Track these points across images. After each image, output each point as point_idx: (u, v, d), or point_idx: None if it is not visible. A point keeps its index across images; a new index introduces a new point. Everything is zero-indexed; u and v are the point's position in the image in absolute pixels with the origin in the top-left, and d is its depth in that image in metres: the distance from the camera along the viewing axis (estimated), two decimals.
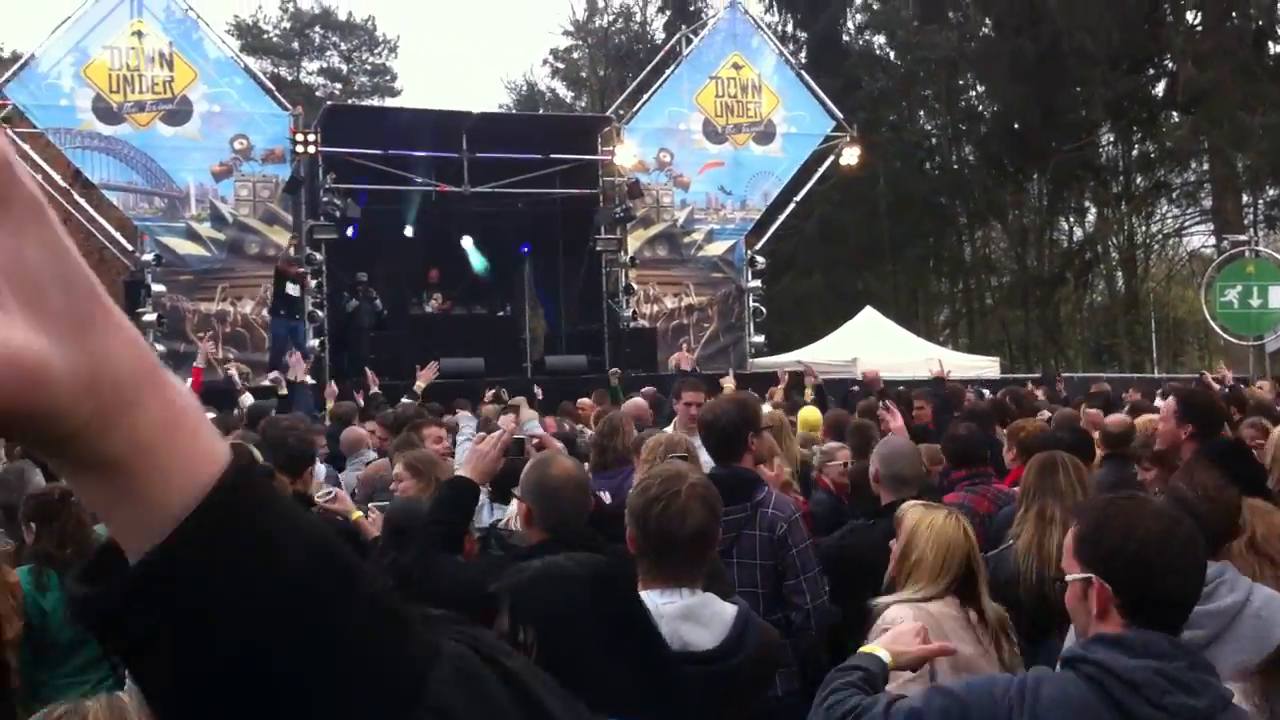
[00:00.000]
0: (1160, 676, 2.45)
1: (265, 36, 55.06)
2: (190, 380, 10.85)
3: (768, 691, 3.69)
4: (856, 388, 12.32)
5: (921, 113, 44.88)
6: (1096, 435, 6.77)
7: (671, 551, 3.18)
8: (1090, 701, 2.51)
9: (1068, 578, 2.67)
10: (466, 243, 23.64)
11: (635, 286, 23.48)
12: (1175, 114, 37.97)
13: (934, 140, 44.54)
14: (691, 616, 3.06)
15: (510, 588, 2.35)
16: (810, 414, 8.69)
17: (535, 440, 4.74)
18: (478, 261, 23.75)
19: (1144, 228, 41.78)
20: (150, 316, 19.67)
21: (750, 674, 3.10)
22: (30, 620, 4.82)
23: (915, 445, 5.95)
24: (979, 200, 41.86)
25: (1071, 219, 44.17)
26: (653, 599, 3.07)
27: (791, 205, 26.33)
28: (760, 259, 25.12)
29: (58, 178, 21.55)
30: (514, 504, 5.19)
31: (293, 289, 19.15)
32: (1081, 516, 2.74)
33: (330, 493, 5.89)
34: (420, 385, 11.71)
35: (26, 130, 20.46)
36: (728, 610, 3.11)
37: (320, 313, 20.67)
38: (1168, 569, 2.58)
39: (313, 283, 20.58)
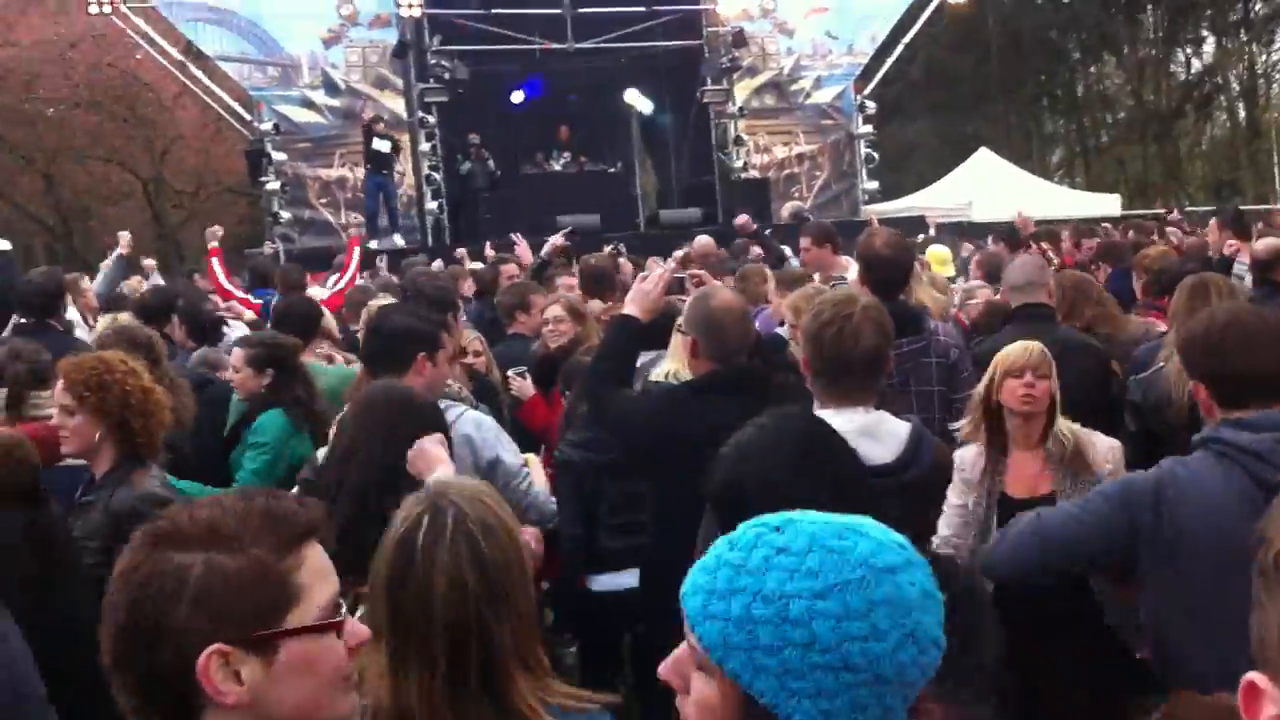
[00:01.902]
0: None
1: None
2: (350, 248, 11.12)
3: (942, 504, 3.84)
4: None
5: None
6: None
7: (846, 372, 3.32)
8: (1223, 474, 2.92)
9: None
10: (631, 94, 23.33)
11: (745, 137, 23.30)
12: None
13: None
14: (868, 433, 3.20)
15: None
16: (940, 251, 8.72)
17: (695, 278, 4.88)
18: (645, 107, 23.46)
19: (1265, 56, 40.14)
20: (273, 185, 20.09)
21: (926, 486, 3.26)
22: (291, 462, 5.13)
23: (1040, 258, 5.98)
24: (1092, 34, 40.52)
25: (1189, 50, 42.59)
26: (829, 417, 3.21)
27: (899, 48, 25.73)
28: (869, 104, 24.71)
29: (173, 51, 21.93)
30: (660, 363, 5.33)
31: (380, 144, 19.36)
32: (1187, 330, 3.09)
33: (522, 370, 6.09)
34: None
35: (139, 5, 20.76)
36: (902, 427, 3.26)
37: (436, 175, 20.88)
38: (1240, 347, 2.98)
39: (426, 145, 20.78)
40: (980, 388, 4.24)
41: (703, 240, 10.44)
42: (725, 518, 2.30)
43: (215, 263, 9.96)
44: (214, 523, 1.60)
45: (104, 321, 7.13)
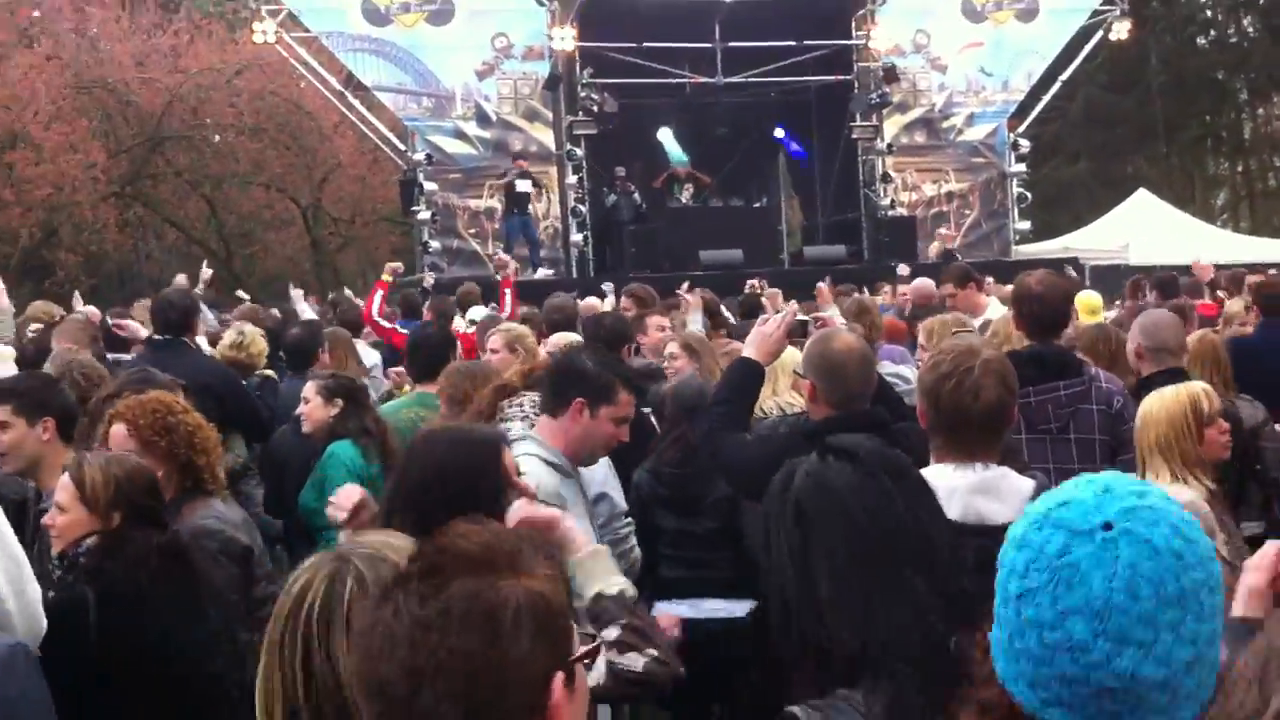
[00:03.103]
0: None
1: None
2: (504, 290, 11.19)
3: None
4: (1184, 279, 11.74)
5: None
6: None
7: (964, 427, 3.19)
8: None
9: None
10: (664, 135, 23.51)
11: (893, 174, 23.05)
12: None
13: (1210, 12, 41.81)
14: (986, 490, 3.08)
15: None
16: (1090, 299, 8.46)
17: (819, 321, 4.81)
18: (675, 153, 23.59)
19: None
20: (424, 214, 20.52)
21: None
22: (362, 484, 5.25)
23: (1177, 316, 5.76)
24: (1261, 73, 39.17)
25: None
26: (946, 472, 3.11)
27: (1056, 85, 25.17)
28: (1024, 142, 24.22)
29: (333, 80, 22.55)
30: None
31: (523, 185, 19.66)
32: None
33: None
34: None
35: (301, 35, 21.41)
36: (1025, 484, 3.12)
37: (582, 208, 21.09)
38: None
39: (573, 178, 21.01)
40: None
41: (922, 282, 10.08)
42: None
43: (378, 294, 10.20)
44: (491, 546, 1.53)
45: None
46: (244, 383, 7.01)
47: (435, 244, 20.74)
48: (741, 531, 5.07)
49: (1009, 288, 11.43)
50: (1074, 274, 16.70)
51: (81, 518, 3.45)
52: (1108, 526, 1.54)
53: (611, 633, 2.48)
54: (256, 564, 4.09)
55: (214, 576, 3.70)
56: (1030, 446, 4.17)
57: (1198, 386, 4.11)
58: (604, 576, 2.63)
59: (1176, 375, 5.07)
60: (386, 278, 10.64)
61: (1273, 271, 12.43)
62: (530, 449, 3.77)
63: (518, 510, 2.68)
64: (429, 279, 17.12)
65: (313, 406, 5.65)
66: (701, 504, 5.17)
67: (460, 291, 12.03)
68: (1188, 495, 3.92)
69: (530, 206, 20.39)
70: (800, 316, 4.69)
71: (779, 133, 23.83)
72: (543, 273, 19.89)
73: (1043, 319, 4.75)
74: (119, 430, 3.99)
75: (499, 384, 4.57)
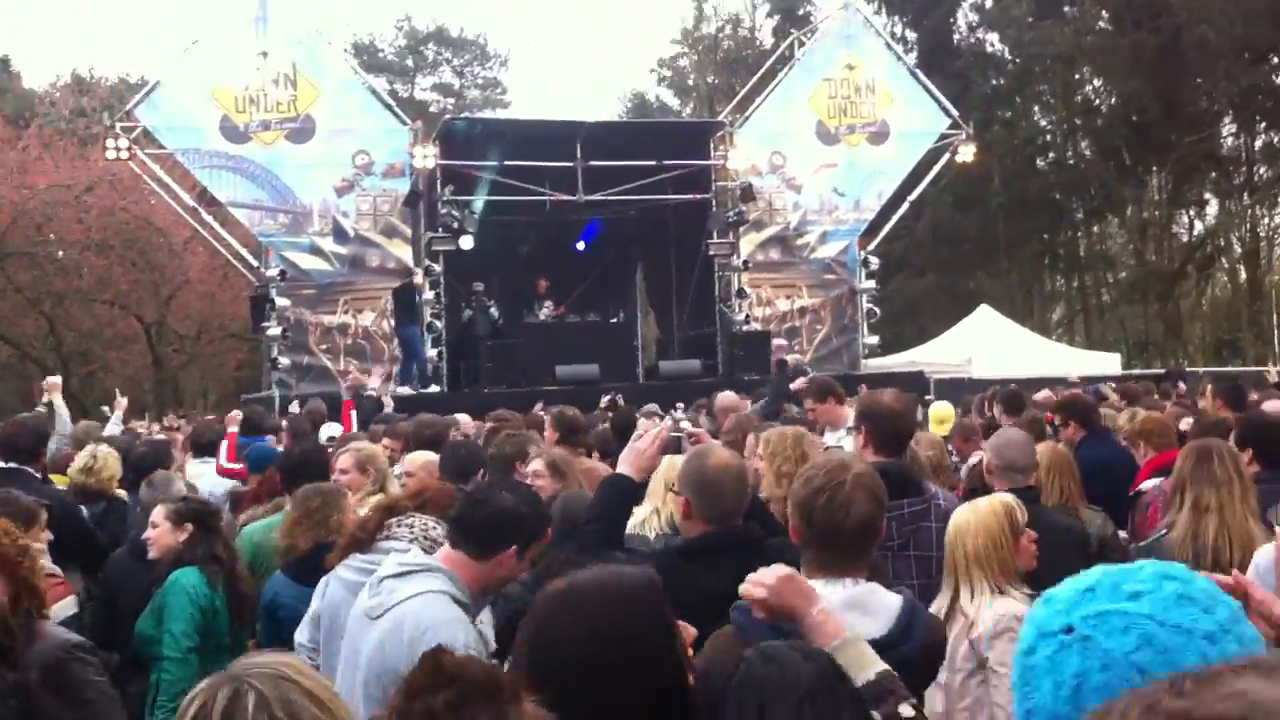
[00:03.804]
0: None
1: (380, 54, 56.23)
2: (347, 410, 10.99)
3: (935, 679, 3.67)
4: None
5: (1036, 109, 44.26)
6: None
7: (836, 542, 3.18)
8: None
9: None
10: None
11: (748, 290, 23.45)
12: None
13: (1048, 136, 43.91)
14: (858, 605, 3.07)
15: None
16: (943, 410, 8.64)
17: (691, 437, 4.78)
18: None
19: (1267, 219, 40.75)
20: (275, 330, 20.17)
21: (921, 662, 3.10)
22: (204, 615, 5.12)
23: (1028, 435, 5.89)
24: (1096, 195, 41.18)
25: (1192, 212, 43.29)
26: (817, 587, 3.09)
27: (905, 205, 26.06)
28: (874, 259, 24.95)
29: (186, 197, 22.22)
30: (640, 508, 5.23)
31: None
32: None
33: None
34: None
35: (155, 151, 21.13)
36: (893, 600, 3.11)
37: (438, 323, 21.01)
38: None
39: (430, 294, 20.94)
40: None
41: (726, 395, 10.14)
42: None
43: (225, 444, 9.88)
44: (495, 678, 1.61)
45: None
46: (87, 509, 6.71)
47: (285, 360, 20.38)
48: None
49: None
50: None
51: None
52: (1068, 630, 1.48)
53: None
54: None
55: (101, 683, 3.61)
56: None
57: (1009, 498, 4.16)
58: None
59: (1025, 493, 5.17)
60: (233, 429, 10.26)
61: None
62: (439, 585, 3.57)
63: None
64: (279, 395, 16.89)
65: (161, 531, 5.47)
66: None
67: (307, 409, 11.84)
68: (1013, 608, 3.96)
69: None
70: (673, 433, 4.65)
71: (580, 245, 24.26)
72: (404, 389, 19.66)
73: (896, 435, 4.80)
74: None
75: (387, 504, 4.41)
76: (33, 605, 3.84)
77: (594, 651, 2.33)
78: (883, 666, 2.67)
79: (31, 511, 5.37)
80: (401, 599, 3.52)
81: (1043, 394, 11.57)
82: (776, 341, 18.97)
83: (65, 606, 5.01)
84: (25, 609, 3.80)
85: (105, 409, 13.15)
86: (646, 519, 5.07)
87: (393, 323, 21.13)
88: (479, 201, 21.71)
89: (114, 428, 10.70)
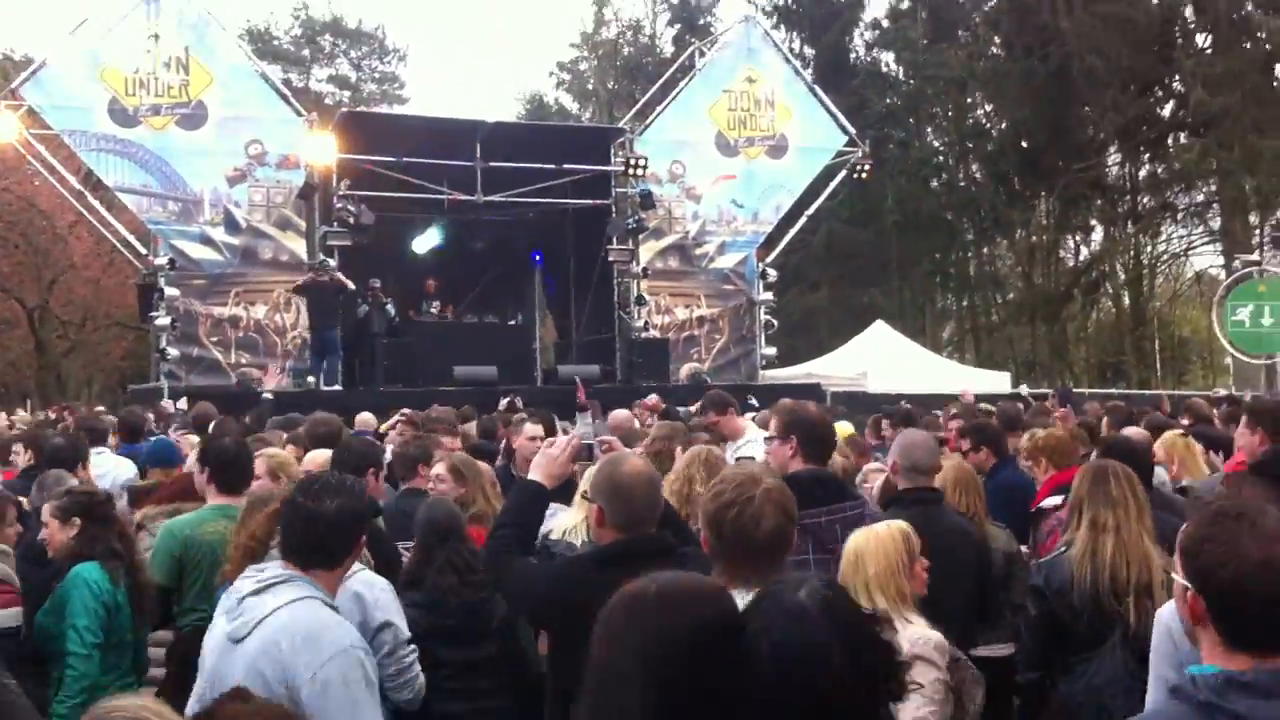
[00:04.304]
0: None
1: (275, 43, 55.34)
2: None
3: None
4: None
5: (929, 130, 45.04)
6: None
7: (747, 555, 3.17)
8: None
9: (1173, 575, 2.55)
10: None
11: (647, 297, 23.45)
12: (1184, 135, 38.04)
13: (941, 157, 44.72)
14: None
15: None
16: (843, 426, 8.70)
17: (605, 445, 4.73)
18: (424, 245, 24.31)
19: (1150, 247, 41.87)
20: (163, 320, 19.67)
21: None
22: (107, 610, 4.96)
23: (932, 436, 5.97)
24: (986, 217, 42.04)
25: (1078, 237, 44.40)
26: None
27: (803, 219, 26.31)
28: (771, 271, 25.14)
29: (71, 179, 21.60)
30: (560, 515, 5.18)
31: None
32: (1189, 523, 2.56)
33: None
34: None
35: (41, 131, 20.50)
36: None
37: None
38: (1267, 597, 2.37)
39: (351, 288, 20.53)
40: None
41: (620, 414, 10.01)
42: None
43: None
44: None
45: None
46: None
47: (174, 351, 19.85)
48: (523, 653, 4.96)
49: (763, 413, 11.72)
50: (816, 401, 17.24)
51: None
52: None
53: None
54: None
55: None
56: (818, 566, 4.18)
57: (904, 524, 4.17)
58: None
59: (928, 494, 5.23)
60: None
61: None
62: (305, 591, 3.41)
63: None
64: (167, 396, 16.47)
65: (51, 530, 5.30)
66: (487, 630, 4.99)
67: (195, 412, 11.53)
68: (928, 634, 3.95)
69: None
70: (586, 441, 4.60)
71: (536, 259, 24.08)
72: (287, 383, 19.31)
73: (824, 443, 4.88)
74: None
75: (271, 511, 4.25)
76: None
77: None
78: None
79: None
80: (266, 613, 3.31)
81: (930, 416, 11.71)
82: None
83: (7, 617, 4.84)
84: None
85: None
86: (576, 526, 5.03)
87: (303, 321, 20.71)
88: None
89: None
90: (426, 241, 24.19)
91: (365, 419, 10.76)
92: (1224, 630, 2.42)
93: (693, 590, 2.38)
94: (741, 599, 3.05)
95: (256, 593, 3.36)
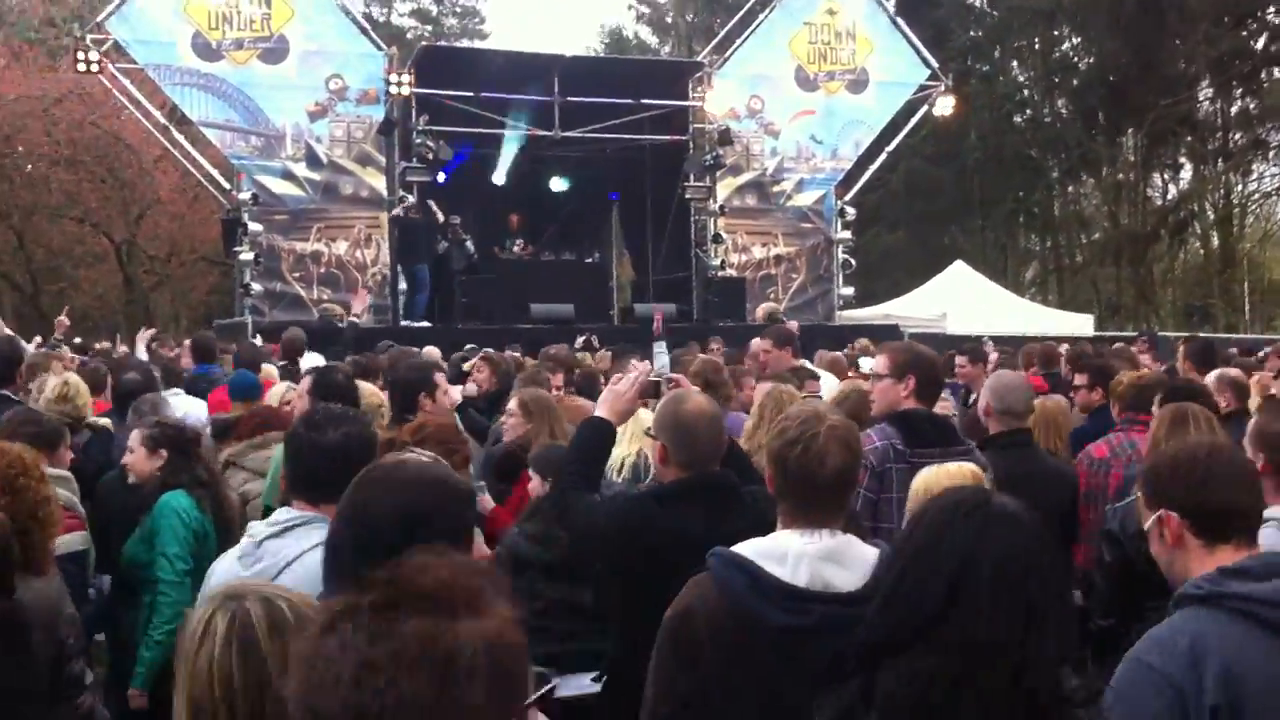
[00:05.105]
0: None
1: None
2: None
3: None
4: None
5: (1014, 64, 44.09)
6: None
7: (812, 493, 3.15)
8: (1254, 634, 2.57)
9: (1144, 527, 2.86)
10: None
11: (723, 235, 23.31)
12: (1279, 70, 36.93)
13: (1026, 92, 43.80)
14: (834, 557, 3.04)
15: None
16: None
17: (671, 382, 4.74)
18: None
19: (1241, 186, 40.83)
20: (247, 255, 19.89)
21: None
22: (196, 538, 5.10)
23: (1024, 378, 5.97)
24: (1072, 154, 41.13)
25: (1166, 175, 43.38)
26: (793, 539, 3.07)
27: (882, 156, 25.91)
28: (850, 210, 24.83)
29: (157, 114, 21.87)
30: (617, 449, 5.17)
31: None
32: (1145, 467, 2.98)
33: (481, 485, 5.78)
34: None
35: (127, 65, 20.72)
36: (870, 552, 3.08)
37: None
38: (1219, 481, 2.79)
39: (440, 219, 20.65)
40: None
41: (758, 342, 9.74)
42: None
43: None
44: (449, 583, 1.40)
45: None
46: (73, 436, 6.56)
47: (257, 286, 20.10)
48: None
49: (839, 353, 11.65)
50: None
51: None
52: None
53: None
54: (69, 640, 3.80)
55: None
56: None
57: (975, 468, 4.15)
58: None
59: (1022, 435, 5.20)
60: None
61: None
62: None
63: None
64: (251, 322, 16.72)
65: (137, 457, 5.41)
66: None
67: (285, 338, 11.65)
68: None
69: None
70: (652, 377, 4.59)
71: (613, 197, 24.06)
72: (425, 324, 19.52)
73: (937, 384, 5.08)
74: None
75: (384, 440, 4.26)
76: (41, 534, 3.72)
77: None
78: None
79: (54, 434, 5.29)
80: (294, 556, 3.22)
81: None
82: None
83: (73, 541, 4.89)
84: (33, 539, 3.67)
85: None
86: (624, 460, 5.07)
87: (384, 257, 20.98)
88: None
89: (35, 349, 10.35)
90: (503, 174, 24.20)
91: (430, 353, 10.90)
92: (1202, 529, 2.77)
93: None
94: (806, 539, 3.08)
95: (276, 535, 3.32)
